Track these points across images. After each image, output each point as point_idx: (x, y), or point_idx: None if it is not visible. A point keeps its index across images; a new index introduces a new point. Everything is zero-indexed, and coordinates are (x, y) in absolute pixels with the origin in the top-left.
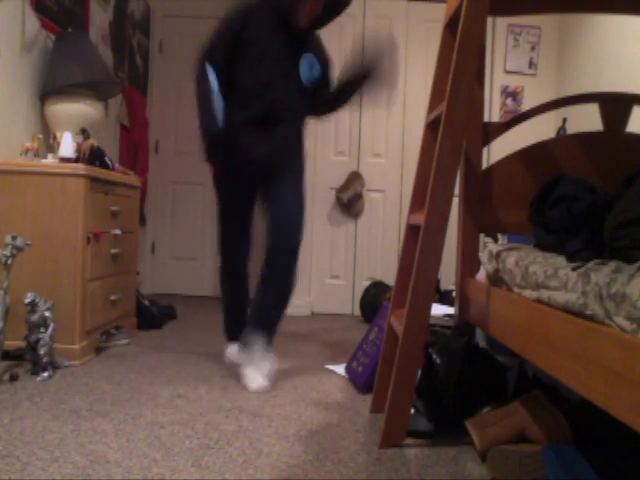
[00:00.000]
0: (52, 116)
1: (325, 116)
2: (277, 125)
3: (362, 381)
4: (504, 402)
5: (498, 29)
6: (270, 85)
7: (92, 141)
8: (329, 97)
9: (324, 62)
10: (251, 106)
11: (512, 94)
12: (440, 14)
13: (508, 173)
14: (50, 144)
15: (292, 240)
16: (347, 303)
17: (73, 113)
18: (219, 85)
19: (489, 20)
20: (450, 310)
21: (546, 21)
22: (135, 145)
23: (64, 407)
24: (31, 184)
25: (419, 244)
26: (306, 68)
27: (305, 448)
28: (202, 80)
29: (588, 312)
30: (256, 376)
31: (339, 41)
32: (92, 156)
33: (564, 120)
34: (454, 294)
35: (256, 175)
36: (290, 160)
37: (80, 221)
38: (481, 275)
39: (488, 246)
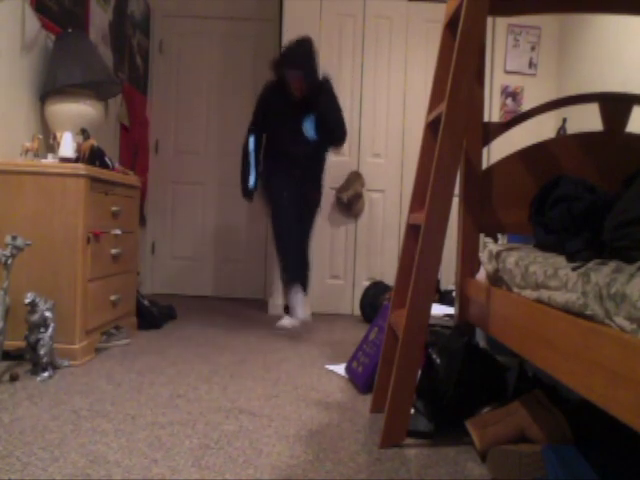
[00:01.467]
0: (52, 116)
1: (338, 139)
2: (301, 160)
3: (362, 381)
4: (504, 402)
5: (498, 29)
6: (288, 141)
7: (92, 141)
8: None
9: (323, 117)
10: (282, 155)
11: (512, 94)
12: (440, 14)
13: (508, 173)
14: (50, 144)
15: (308, 259)
16: (347, 303)
17: (73, 113)
18: (256, 144)
19: (489, 20)
20: (450, 310)
21: (546, 21)
22: (135, 145)
23: (64, 407)
24: (31, 184)
25: (419, 244)
26: (308, 127)
27: (305, 448)
28: (246, 150)
29: (588, 312)
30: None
31: (339, 41)
32: (92, 156)
33: (564, 120)
34: (454, 294)
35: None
36: (316, 190)
37: (80, 221)
38: (481, 275)
39: (488, 246)
